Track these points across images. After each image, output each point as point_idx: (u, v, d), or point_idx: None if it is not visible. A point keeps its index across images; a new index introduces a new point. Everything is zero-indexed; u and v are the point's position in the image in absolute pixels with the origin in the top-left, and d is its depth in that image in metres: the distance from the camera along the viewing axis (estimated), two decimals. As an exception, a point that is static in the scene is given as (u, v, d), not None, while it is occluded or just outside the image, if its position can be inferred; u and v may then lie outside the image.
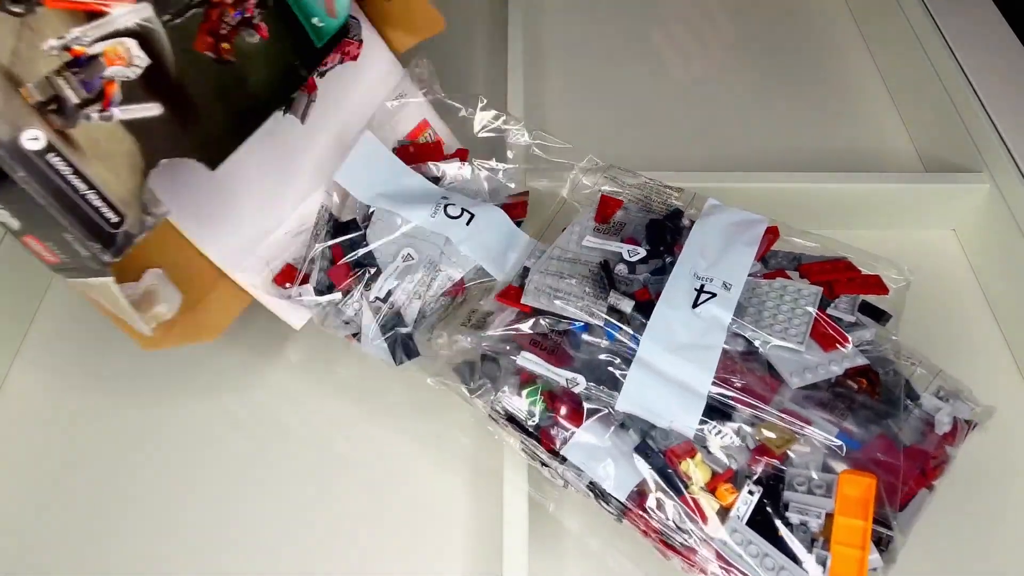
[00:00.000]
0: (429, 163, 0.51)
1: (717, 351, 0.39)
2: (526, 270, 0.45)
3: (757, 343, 0.39)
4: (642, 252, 0.44)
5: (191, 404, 0.51)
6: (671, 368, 0.39)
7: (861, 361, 0.39)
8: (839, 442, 0.36)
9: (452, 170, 0.51)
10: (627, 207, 0.48)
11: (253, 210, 0.47)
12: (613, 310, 0.41)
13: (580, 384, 0.40)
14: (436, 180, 0.51)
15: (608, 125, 0.68)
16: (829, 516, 0.36)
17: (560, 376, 0.40)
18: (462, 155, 0.52)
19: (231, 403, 0.51)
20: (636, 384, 0.39)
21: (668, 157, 0.65)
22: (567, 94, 0.70)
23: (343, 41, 0.46)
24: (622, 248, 0.44)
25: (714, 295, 0.41)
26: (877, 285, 0.42)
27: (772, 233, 0.45)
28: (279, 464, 0.49)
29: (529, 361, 0.41)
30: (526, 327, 0.42)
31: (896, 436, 0.38)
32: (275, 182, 0.48)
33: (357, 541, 0.46)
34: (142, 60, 0.35)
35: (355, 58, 0.48)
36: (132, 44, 0.35)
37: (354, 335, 0.46)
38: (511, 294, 0.44)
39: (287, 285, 0.47)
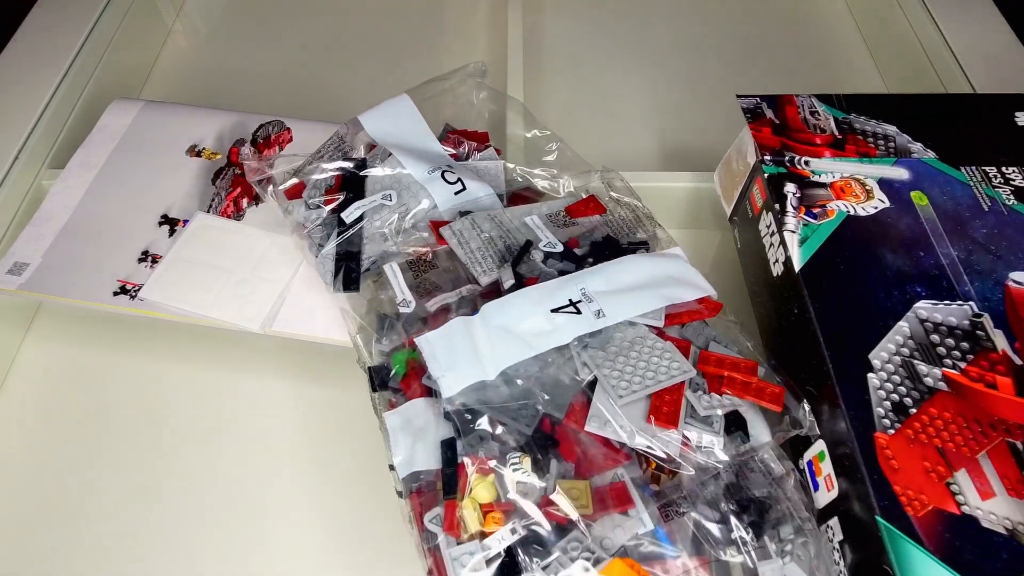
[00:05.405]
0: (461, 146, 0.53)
1: (535, 351, 0.38)
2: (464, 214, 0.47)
3: (585, 375, 0.37)
4: (560, 247, 0.43)
5: (173, 402, 0.51)
6: (485, 338, 0.38)
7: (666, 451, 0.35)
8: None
9: (478, 156, 0.53)
10: (604, 218, 0.47)
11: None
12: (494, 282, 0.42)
13: (409, 306, 0.43)
14: (461, 158, 0.53)
15: (609, 126, 0.67)
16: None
17: (402, 292, 0.43)
18: (497, 151, 0.54)
19: (206, 399, 0.51)
20: (445, 328, 0.39)
21: (669, 157, 0.64)
22: (567, 95, 0.70)
23: (279, 133, 0.60)
24: (542, 237, 0.44)
25: (579, 313, 0.38)
26: (773, 399, 0.37)
27: (706, 305, 0.41)
28: (275, 463, 0.49)
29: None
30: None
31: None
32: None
33: (356, 539, 0.46)
34: None
35: (290, 141, 0.60)
36: None
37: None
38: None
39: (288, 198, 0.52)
